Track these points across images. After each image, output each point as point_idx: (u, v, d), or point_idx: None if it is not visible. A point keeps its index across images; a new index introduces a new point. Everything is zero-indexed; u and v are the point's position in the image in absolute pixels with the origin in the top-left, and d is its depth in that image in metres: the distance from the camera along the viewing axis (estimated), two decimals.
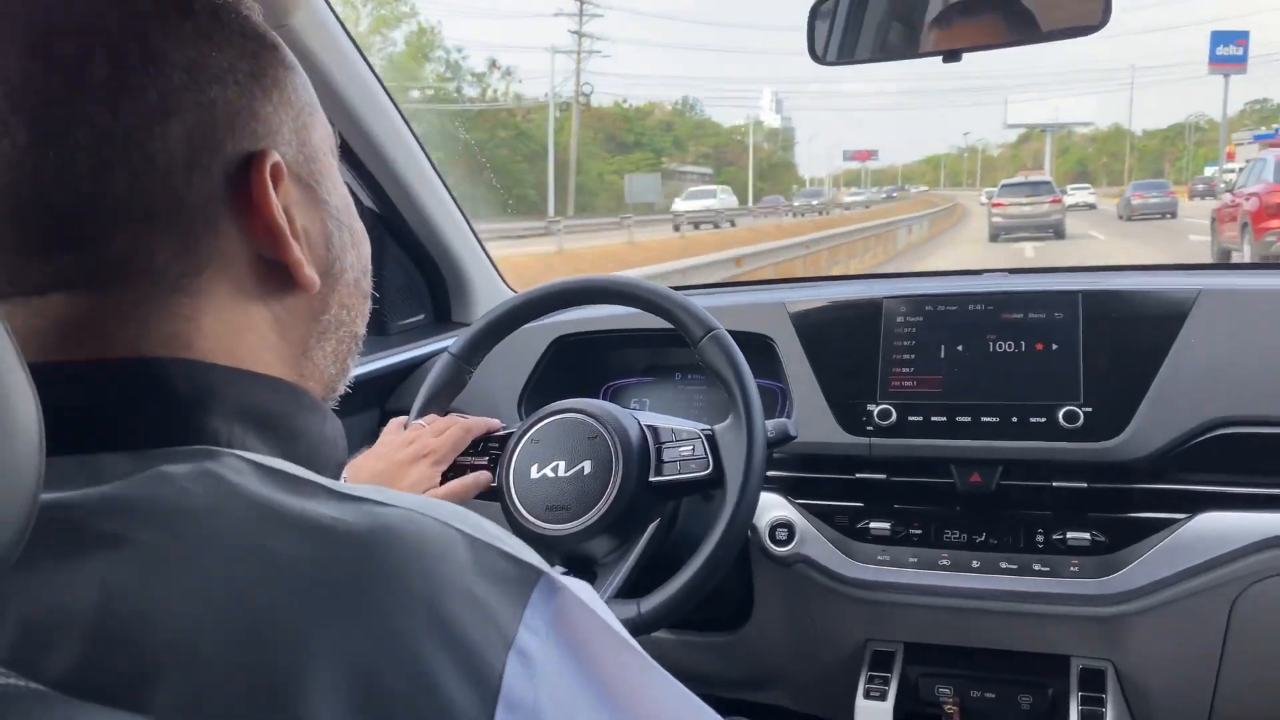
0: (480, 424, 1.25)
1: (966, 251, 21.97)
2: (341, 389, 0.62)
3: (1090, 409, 1.28)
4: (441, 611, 0.40)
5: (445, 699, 0.39)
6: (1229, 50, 46.09)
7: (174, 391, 0.48)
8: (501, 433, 1.25)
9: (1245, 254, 12.32)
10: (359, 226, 0.62)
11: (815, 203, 44.97)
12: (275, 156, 0.52)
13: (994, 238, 23.70)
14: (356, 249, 0.61)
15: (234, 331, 0.51)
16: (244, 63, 0.52)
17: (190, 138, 0.49)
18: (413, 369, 1.64)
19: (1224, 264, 1.74)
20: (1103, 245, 19.82)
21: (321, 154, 0.58)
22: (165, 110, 0.48)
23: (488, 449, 1.23)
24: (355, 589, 0.40)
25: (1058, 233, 23.05)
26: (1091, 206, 40.83)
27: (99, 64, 0.47)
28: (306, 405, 0.55)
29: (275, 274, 0.53)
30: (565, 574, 0.47)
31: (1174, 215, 28.51)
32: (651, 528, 1.19)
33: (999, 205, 24.30)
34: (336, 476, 0.53)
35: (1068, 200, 27.43)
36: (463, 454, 1.23)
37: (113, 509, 0.42)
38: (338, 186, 0.59)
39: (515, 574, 0.44)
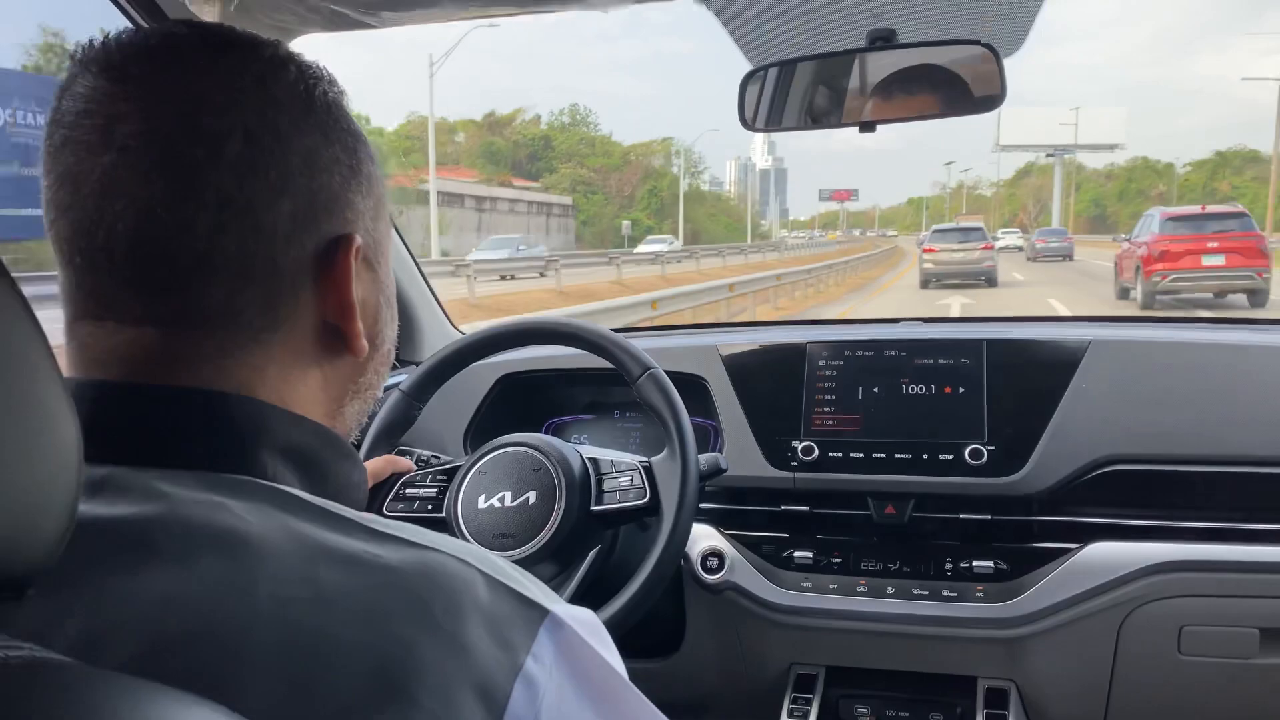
0: (403, 464, 1.32)
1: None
2: (352, 439, 0.69)
3: (993, 447, 1.40)
4: (461, 640, 0.48)
5: (458, 713, 0.46)
6: None
7: (235, 423, 0.55)
8: (449, 465, 1.32)
9: (1138, 291, 15.24)
10: (395, 301, 0.69)
11: (664, 249, 31.74)
12: (359, 240, 0.59)
13: (924, 285, 23.28)
14: (393, 323, 0.68)
15: (289, 383, 0.58)
16: (346, 156, 0.60)
17: (296, 215, 0.56)
18: None
19: (1114, 317, 1.90)
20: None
21: (385, 239, 0.65)
22: (281, 189, 0.55)
23: (436, 481, 1.30)
24: (389, 616, 0.47)
25: (989, 281, 22.67)
26: (1019, 249, 41.70)
27: (236, 141, 0.54)
28: (343, 452, 0.62)
29: (333, 338, 0.60)
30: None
31: (1070, 258, 33.95)
32: (592, 554, 1.26)
33: (930, 251, 23.39)
34: None
35: (998, 244, 27.45)
36: (411, 486, 1.30)
37: (177, 529, 0.48)
38: (391, 269, 0.67)
39: (526, 611, 0.51)
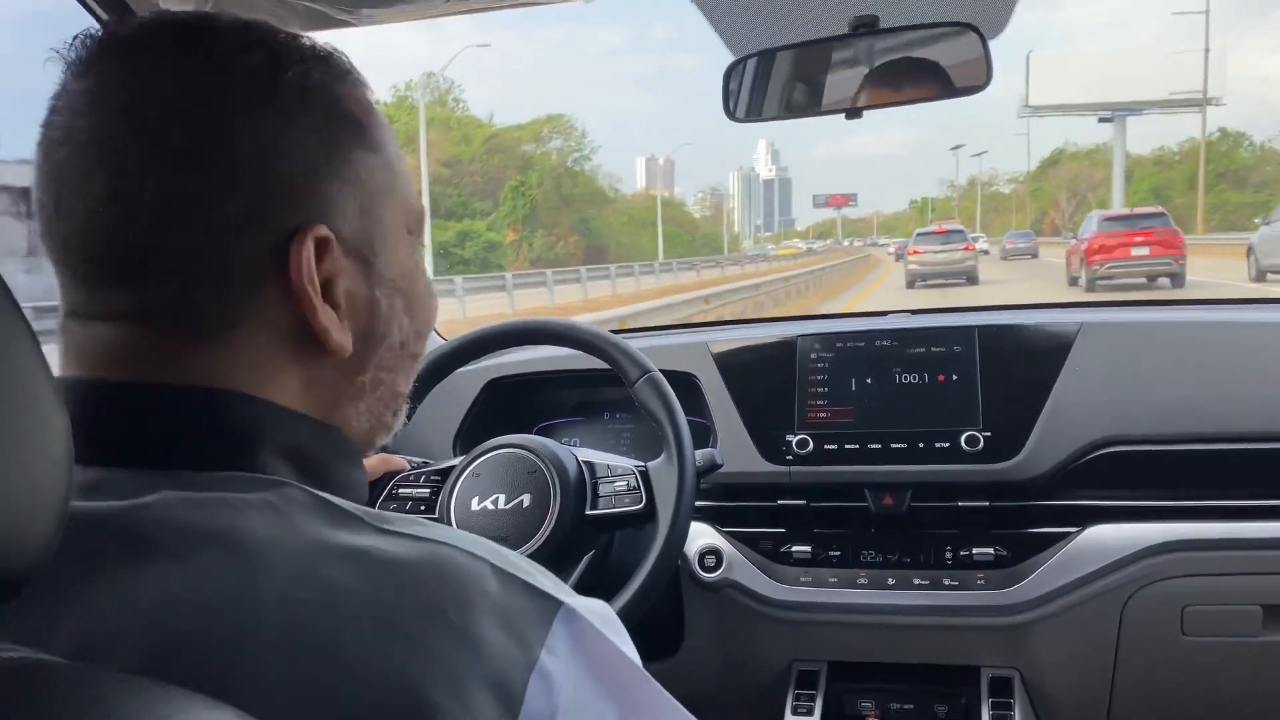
0: (397, 462, 1.30)
1: None
2: (381, 440, 0.66)
3: (989, 433, 1.39)
4: (473, 635, 0.46)
5: (475, 711, 0.44)
6: None
7: (232, 421, 0.53)
8: (442, 466, 1.30)
9: (1082, 279, 19.18)
10: (421, 290, 0.65)
11: None
12: (322, 231, 0.55)
13: (910, 284, 24.50)
14: (411, 314, 0.63)
15: (262, 383, 0.55)
16: (317, 144, 0.55)
17: (248, 209, 0.53)
18: None
19: (1103, 301, 1.92)
20: None
21: (390, 231, 0.61)
22: (229, 183, 0.52)
23: (429, 481, 1.27)
24: (399, 614, 0.46)
25: (970, 279, 23.89)
26: (985, 252, 41.98)
27: (178, 134, 0.52)
28: (344, 452, 0.59)
29: (309, 336, 0.56)
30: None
31: (1036, 255, 38.31)
32: (587, 558, 1.24)
33: (915, 253, 25.11)
34: None
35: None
36: (405, 485, 1.27)
37: (176, 526, 0.46)
38: (400, 258, 0.62)
39: (539, 603, 0.50)
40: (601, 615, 0.53)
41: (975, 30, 1.19)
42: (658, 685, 0.54)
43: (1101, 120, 49.42)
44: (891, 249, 51.53)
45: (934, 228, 27.55)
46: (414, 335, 0.65)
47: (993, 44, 1.21)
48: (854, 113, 1.26)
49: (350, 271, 0.58)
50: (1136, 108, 47.81)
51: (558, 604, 0.51)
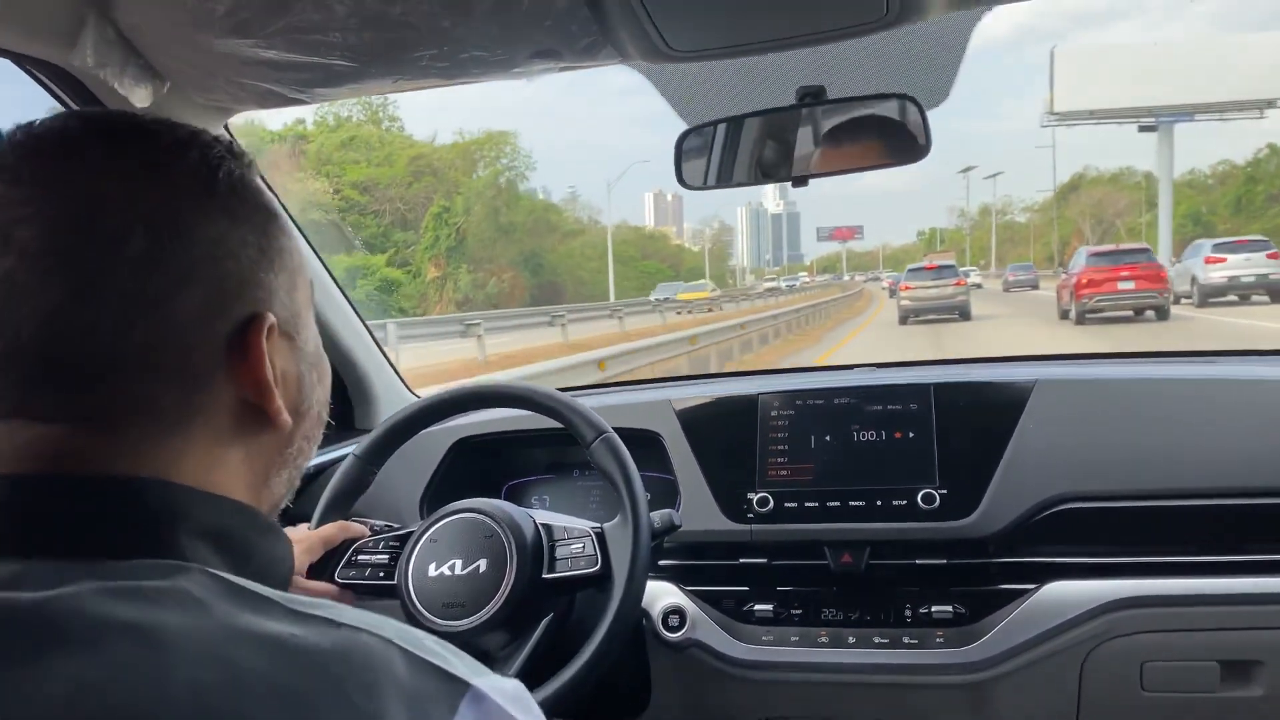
0: (356, 529, 1.31)
1: None
2: (283, 505, 0.68)
3: (945, 491, 1.41)
4: (378, 718, 0.48)
5: None
6: None
7: (149, 508, 0.54)
8: (401, 532, 1.31)
9: (1072, 312, 19.87)
10: (324, 361, 0.69)
11: None
12: (271, 318, 0.59)
13: (903, 320, 24.46)
14: (322, 383, 0.68)
15: (209, 466, 0.57)
16: (255, 236, 0.59)
17: (205, 302, 0.55)
18: (315, 476, 1.68)
19: (1060, 355, 1.96)
20: None
21: (303, 308, 0.65)
22: (187, 279, 0.55)
23: (388, 547, 1.29)
24: (306, 697, 0.47)
25: (963, 314, 23.93)
26: (979, 286, 41.47)
27: (136, 238, 0.53)
28: (262, 527, 0.61)
29: (253, 415, 0.59)
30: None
31: (1036, 287, 38.42)
32: (545, 622, 1.25)
33: (907, 289, 24.99)
34: (284, 589, 0.58)
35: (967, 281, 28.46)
36: (363, 552, 1.29)
37: (87, 616, 0.47)
38: (312, 332, 0.66)
39: (446, 687, 0.51)
40: (512, 696, 0.55)
41: (914, 102, 1.23)
42: None
43: (1143, 129, 40.41)
44: (885, 284, 51.62)
45: (925, 263, 27.54)
46: (324, 403, 0.69)
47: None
48: (800, 181, 1.29)
49: (284, 351, 0.62)
50: (1186, 112, 38.88)
51: (466, 686, 0.52)
